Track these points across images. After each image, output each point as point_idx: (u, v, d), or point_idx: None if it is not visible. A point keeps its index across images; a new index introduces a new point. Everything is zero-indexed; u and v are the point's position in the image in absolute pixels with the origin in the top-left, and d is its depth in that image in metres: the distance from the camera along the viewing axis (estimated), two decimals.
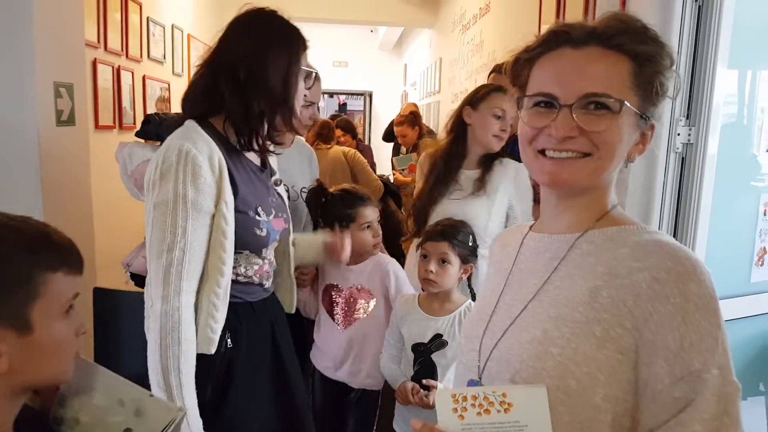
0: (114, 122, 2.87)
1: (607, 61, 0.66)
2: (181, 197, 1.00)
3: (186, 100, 1.15)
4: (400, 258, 3.47)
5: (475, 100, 1.75)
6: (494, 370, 0.69)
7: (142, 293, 1.62)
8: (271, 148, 1.22)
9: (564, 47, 0.69)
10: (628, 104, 0.66)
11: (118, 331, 1.76)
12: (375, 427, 1.72)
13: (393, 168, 3.96)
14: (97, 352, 1.73)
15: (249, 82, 1.10)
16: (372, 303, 1.67)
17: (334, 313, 1.68)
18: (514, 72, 0.74)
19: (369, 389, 1.67)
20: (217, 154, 1.07)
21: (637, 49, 0.66)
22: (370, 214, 1.65)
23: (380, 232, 1.68)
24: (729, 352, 0.60)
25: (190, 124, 1.10)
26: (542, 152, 0.69)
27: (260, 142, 1.16)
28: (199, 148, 1.04)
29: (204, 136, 1.07)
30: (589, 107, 0.66)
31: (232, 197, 1.08)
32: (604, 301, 0.62)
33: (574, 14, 2.17)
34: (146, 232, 1.05)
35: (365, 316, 1.67)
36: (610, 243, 0.67)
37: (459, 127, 1.78)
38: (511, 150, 1.78)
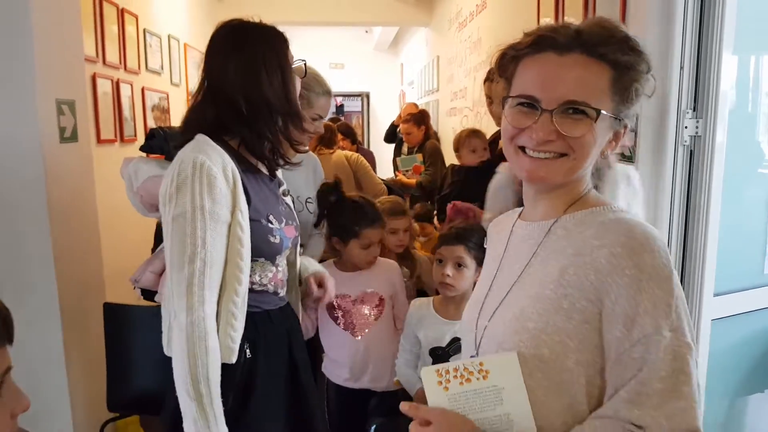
0: (115, 136, 2.87)
1: (589, 70, 0.71)
2: (198, 208, 1.02)
3: (188, 127, 1.15)
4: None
5: None
6: (486, 345, 0.78)
7: (152, 307, 1.62)
8: (295, 160, 1.23)
9: (549, 51, 0.72)
10: (605, 112, 0.71)
11: (130, 346, 1.76)
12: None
13: (396, 169, 3.93)
14: (110, 369, 1.73)
15: (252, 112, 1.11)
16: (380, 306, 1.68)
17: (339, 322, 1.69)
18: (501, 65, 0.79)
19: (390, 391, 1.68)
20: (230, 164, 1.08)
21: (618, 59, 0.71)
22: (375, 235, 1.67)
23: (377, 253, 1.70)
24: (684, 315, 0.67)
25: (201, 138, 1.10)
26: (522, 149, 0.75)
27: (285, 159, 1.19)
28: (213, 160, 1.05)
29: (216, 147, 1.09)
30: (568, 112, 0.71)
31: (246, 206, 1.09)
32: (570, 279, 0.69)
33: (573, 8, 2.16)
34: (165, 245, 1.05)
35: (376, 320, 1.67)
36: (580, 226, 0.74)
37: None
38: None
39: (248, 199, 1.11)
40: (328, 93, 1.60)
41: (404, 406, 0.74)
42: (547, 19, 2.39)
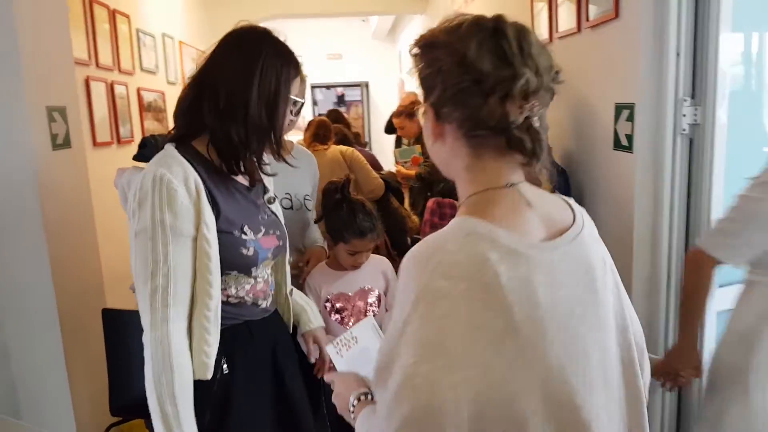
0: (111, 138, 2.86)
1: None
2: (159, 223, 0.99)
3: (174, 117, 1.14)
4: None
5: None
6: None
7: None
8: (268, 170, 1.19)
9: None
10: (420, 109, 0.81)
11: (130, 351, 1.75)
12: None
13: (395, 161, 3.89)
14: (111, 374, 1.73)
15: (228, 109, 1.06)
16: (377, 300, 1.73)
17: (337, 319, 1.71)
18: None
19: None
20: (193, 176, 1.04)
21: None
22: (363, 246, 1.68)
23: (364, 260, 1.72)
24: (419, 339, 0.67)
25: (168, 149, 1.08)
26: None
27: (244, 167, 1.13)
28: (174, 172, 1.02)
29: (179, 159, 1.05)
30: None
31: (213, 218, 1.05)
32: None
33: None
34: (131, 261, 1.03)
35: (375, 314, 1.71)
36: None
37: None
38: None
39: (217, 210, 1.07)
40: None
41: (326, 376, 0.94)
42: (541, 4, 2.34)
